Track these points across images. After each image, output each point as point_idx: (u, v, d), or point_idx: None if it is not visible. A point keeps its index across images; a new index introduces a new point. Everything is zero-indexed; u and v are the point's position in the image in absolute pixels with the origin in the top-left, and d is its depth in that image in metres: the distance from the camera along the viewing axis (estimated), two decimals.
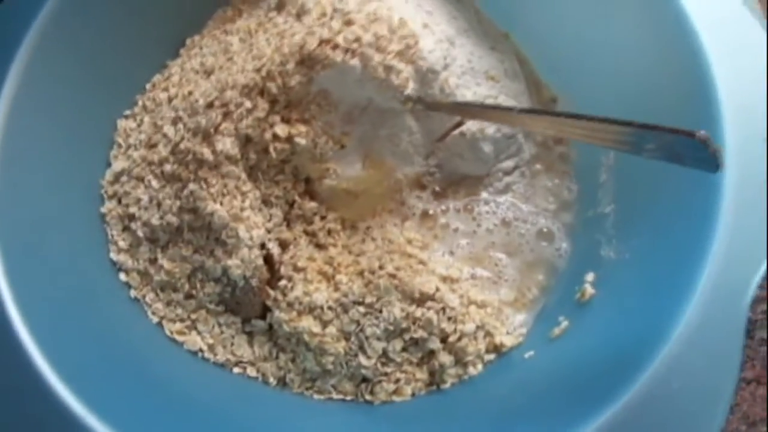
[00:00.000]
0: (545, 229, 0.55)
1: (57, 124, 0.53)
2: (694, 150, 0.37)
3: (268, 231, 0.52)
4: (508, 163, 0.56)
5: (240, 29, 0.57)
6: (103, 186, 0.55)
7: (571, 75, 0.57)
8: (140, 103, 0.58)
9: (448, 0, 0.58)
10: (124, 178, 0.54)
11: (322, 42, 0.50)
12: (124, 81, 0.58)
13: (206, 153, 0.50)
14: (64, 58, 0.54)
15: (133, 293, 0.53)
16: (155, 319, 0.53)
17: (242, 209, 0.51)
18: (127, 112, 0.58)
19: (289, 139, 0.51)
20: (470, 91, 0.54)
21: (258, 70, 0.50)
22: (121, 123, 0.57)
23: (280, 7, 0.58)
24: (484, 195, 0.57)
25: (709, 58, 0.48)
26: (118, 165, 0.55)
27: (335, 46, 0.50)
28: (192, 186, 0.50)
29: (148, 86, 0.59)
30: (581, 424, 0.42)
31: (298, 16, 0.55)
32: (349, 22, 0.50)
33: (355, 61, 0.50)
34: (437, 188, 0.57)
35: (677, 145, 0.39)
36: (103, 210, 0.55)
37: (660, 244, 0.47)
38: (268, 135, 0.51)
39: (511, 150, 0.56)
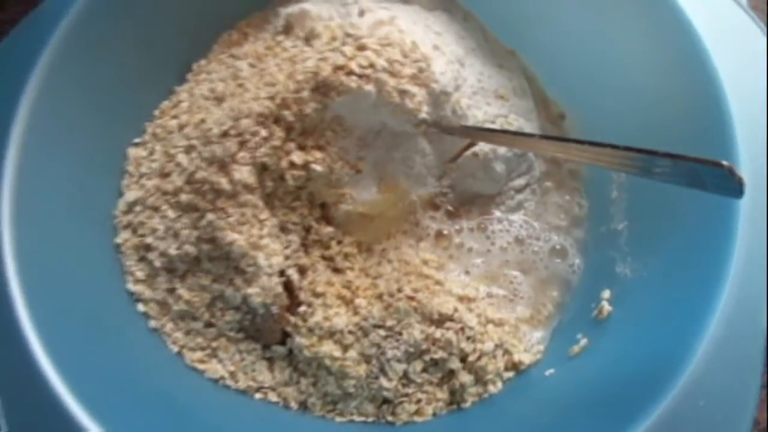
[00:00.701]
0: (558, 246, 0.56)
1: (68, 155, 0.53)
2: (718, 178, 0.38)
3: (287, 258, 0.52)
4: (520, 181, 0.57)
5: (248, 53, 0.57)
6: (116, 216, 0.55)
7: (578, 91, 0.58)
8: (149, 130, 0.58)
9: (455, 19, 0.58)
10: (138, 208, 0.54)
11: (337, 68, 0.50)
12: (131, 108, 0.57)
13: (223, 183, 0.50)
14: (72, 88, 0.53)
15: (152, 323, 0.53)
16: (175, 349, 0.53)
17: (260, 237, 0.51)
18: (137, 140, 0.57)
19: (305, 166, 0.51)
20: (481, 111, 0.55)
21: (272, 98, 0.50)
22: (132, 151, 0.57)
23: (287, 31, 0.58)
24: (497, 213, 0.57)
25: (718, 72, 0.49)
26: (131, 195, 0.54)
27: (350, 72, 0.50)
28: (210, 216, 0.50)
29: (156, 113, 0.58)
30: None
31: (307, 40, 0.55)
32: (362, 48, 0.51)
33: (370, 87, 0.50)
34: (450, 208, 0.57)
35: (700, 172, 0.39)
36: (118, 240, 0.54)
37: (678, 261, 0.48)
38: (284, 163, 0.51)
39: (522, 168, 0.57)
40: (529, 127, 0.57)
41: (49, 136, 0.52)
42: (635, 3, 0.54)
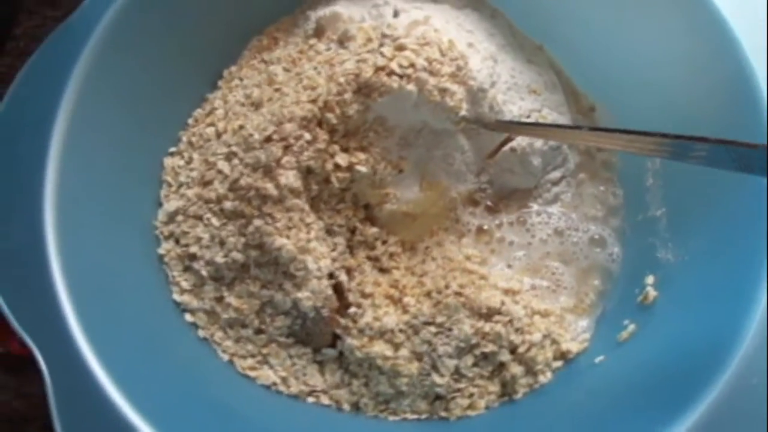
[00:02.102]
0: (596, 236, 0.57)
1: (105, 168, 0.53)
2: (755, 159, 0.39)
3: (334, 260, 0.52)
4: (555, 174, 0.58)
5: (281, 58, 0.57)
6: (157, 227, 0.55)
7: (607, 83, 0.59)
8: (185, 139, 0.57)
9: (483, 17, 0.59)
10: (179, 218, 0.54)
11: (378, 69, 0.50)
12: (165, 117, 0.57)
13: (270, 188, 0.50)
14: (107, 99, 0.53)
15: (201, 333, 0.53)
16: (226, 357, 0.53)
17: (308, 241, 0.51)
18: (172, 150, 0.57)
19: (350, 167, 0.52)
20: (516, 106, 0.56)
21: (314, 101, 0.50)
22: (168, 161, 0.56)
23: (319, 34, 0.58)
24: (535, 207, 0.58)
25: (749, 59, 0.50)
26: (172, 205, 0.54)
27: (391, 73, 0.50)
28: (257, 222, 0.50)
29: (190, 121, 0.58)
30: (669, 426, 0.44)
31: (341, 43, 0.55)
32: (401, 48, 0.51)
33: (411, 86, 0.50)
34: (489, 203, 0.58)
35: (745, 155, 0.40)
36: (161, 251, 0.54)
37: (721, 242, 0.49)
38: (329, 165, 0.51)
39: (558, 161, 0.58)
40: (562, 120, 0.58)
41: (86, 149, 0.51)
42: None
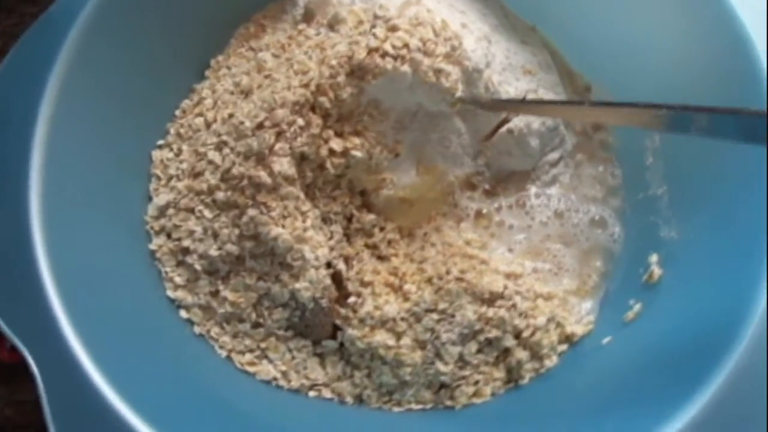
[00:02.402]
0: (597, 217, 0.56)
1: (92, 163, 0.51)
2: (757, 128, 0.38)
3: (331, 249, 0.51)
4: (553, 155, 0.57)
5: (269, 45, 0.55)
6: (147, 222, 0.53)
7: (602, 62, 0.58)
8: (173, 131, 0.56)
9: None
10: (170, 212, 0.52)
11: (371, 51, 0.49)
12: (151, 109, 0.55)
13: (263, 176, 0.48)
14: (91, 92, 0.51)
15: (197, 329, 0.51)
16: (224, 353, 0.51)
17: (305, 230, 0.49)
18: (161, 142, 0.55)
19: (345, 152, 0.50)
20: (512, 87, 0.55)
21: (306, 86, 0.49)
22: (156, 154, 0.55)
23: (308, 19, 0.56)
24: (533, 189, 0.57)
25: (749, 34, 0.49)
26: (162, 199, 0.52)
27: (384, 54, 0.49)
28: (251, 212, 0.49)
29: (177, 113, 0.56)
30: (683, 403, 0.42)
31: (332, 27, 0.54)
32: (393, 29, 0.50)
33: (405, 68, 0.49)
34: (487, 187, 0.57)
35: (751, 125, 0.39)
36: (152, 247, 0.52)
37: (725, 219, 0.48)
38: (323, 151, 0.50)
39: (555, 142, 0.57)
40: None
41: (71, 145, 0.49)
42: None
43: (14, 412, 0.57)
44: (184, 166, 0.53)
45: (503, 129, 0.55)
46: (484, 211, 0.56)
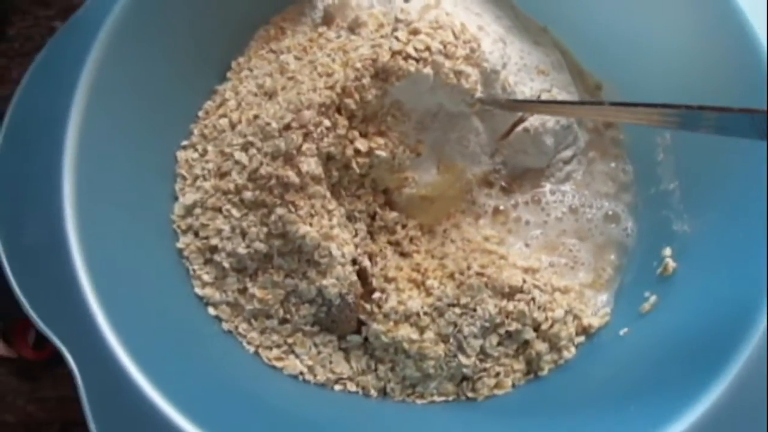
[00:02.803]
0: (610, 212, 0.58)
1: (120, 164, 0.52)
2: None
3: (356, 246, 0.52)
4: (567, 153, 0.59)
5: (290, 47, 0.56)
6: (174, 221, 0.54)
7: (612, 61, 0.59)
8: (197, 132, 0.57)
9: (488, 0, 0.59)
10: (197, 211, 0.53)
11: (394, 53, 0.50)
12: (175, 111, 0.56)
13: (291, 176, 0.49)
14: (118, 96, 0.52)
15: (225, 326, 0.52)
16: (251, 349, 0.52)
17: (331, 228, 0.50)
18: (185, 143, 0.56)
19: (369, 152, 0.52)
20: (527, 87, 0.56)
21: (332, 87, 0.50)
22: (181, 154, 0.56)
23: (328, 22, 0.58)
24: (548, 186, 0.59)
25: (756, 33, 0.51)
26: (189, 198, 0.53)
27: (407, 57, 0.50)
28: (280, 210, 0.50)
29: (200, 114, 0.57)
30: (700, 393, 0.44)
31: (352, 30, 0.56)
32: (415, 32, 0.51)
33: (427, 70, 0.51)
34: (504, 184, 0.58)
35: (747, 121, 0.41)
36: (180, 245, 0.53)
37: (738, 212, 0.50)
38: (349, 151, 0.51)
39: (569, 140, 0.58)
40: (571, 99, 0.58)
41: (101, 146, 0.50)
42: None
43: (37, 409, 0.59)
44: (210, 166, 0.54)
45: (519, 128, 0.56)
46: (501, 207, 0.58)
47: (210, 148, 0.55)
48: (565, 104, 0.55)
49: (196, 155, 0.55)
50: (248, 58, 0.59)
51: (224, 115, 0.56)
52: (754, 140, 0.42)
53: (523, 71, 0.56)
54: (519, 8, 0.61)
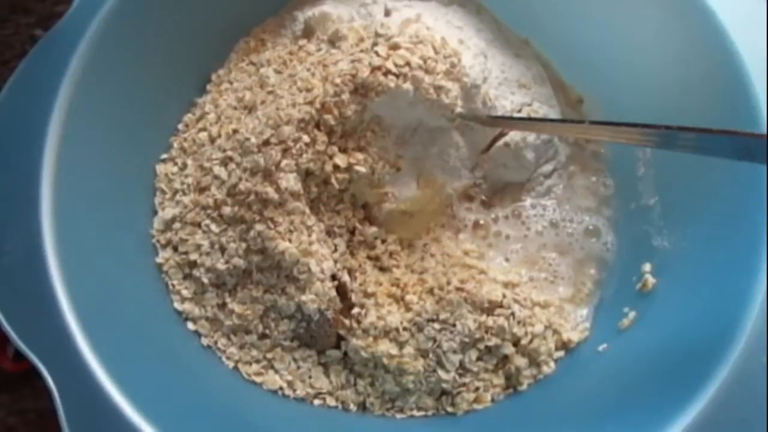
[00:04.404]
0: (591, 227, 0.58)
1: (99, 178, 0.52)
2: (747, 147, 0.40)
3: (335, 261, 0.52)
4: (548, 167, 0.59)
5: (270, 60, 0.56)
6: (153, 235, 0.54)
7: (594, 75, 0.60)
8: (176, 145, 0.56)
9: (469, 12, 0.59)
10: (176, 225, 0.53)
11: (374, 69, 0.50)
12: (154, 124, 0.56)
13: (270, 192, 0.49)
14: (97, 108, 0.52)
15: (204, 341, 0.52)
16: (231, 364, 0.52)
17: (310, 243, 0.50)
18: (164, 156, 0.56)
19: (349, 168, 0.52)
20: (508, 101, 0.56)
21: (311, 103, 0.50)
22: (161, 168, 0.56)
23: (308, 35, 0.57)
24: (529, 200, 0.59)
25: (736, 46, 0.51)
26: (168, 213, 0.53)
27: (387, 72, 0.50)
28: (259, 227, 0.50)
29: (180, 126, 0.57)
30: (678, 411, 0.44)
31: (332, 43, 0.55)
32: (395, 47, 0.51)
33: (407, 85, 0.51)
34: (484, 198, 0.58)
35: (746, 145, 0.41)
36: (159, 260, 0.53)
37: (719, 229, 0.50)
38: (328, 167, 0.51)
39: (549, 154, 0.58)
40: (552, 113, 0.58)
41: (79, 159, 0.50)
42: None
43: (17, 421, 0.58)
44: (189, 180, 0.54)
45: (500, 142, 0.56)
46: (482, 221, 0.58)
47: (189, 162, 0.55)
48: (546, 122, 0.55)
49: (175, 169, 0.55)
50: (228, 71, 0.59)
51: (204, 129, 0.55)
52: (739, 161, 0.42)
53: (504, 85, 0.56)
54: (501, 20, 0.61)
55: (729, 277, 0.48)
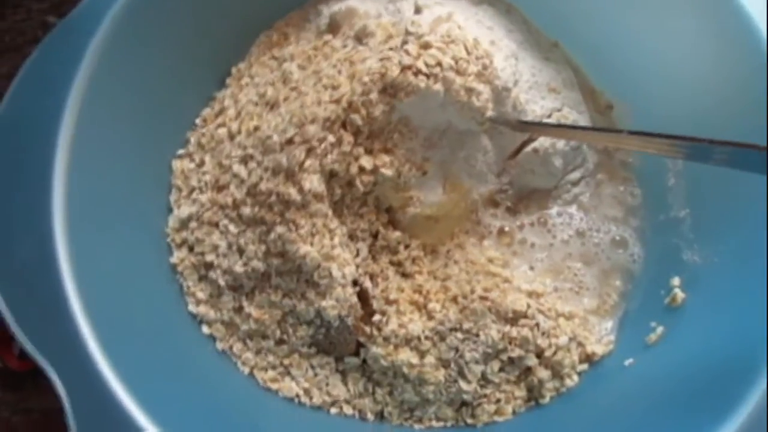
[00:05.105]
0: (618, 237, 0.56)
1: (113, 174, 0.50)
2: None
3: (357, 266, 0.51)
4: (575, 174, 0.57)
5: (294, 55, 0.54)
6: (168, 234, 0.52)
7: (625, 81, 0.58)
8: (193, 140, 0.55)
9: (499, 12, 0.57)
10: (193, 224, 0.51)
11: (404, 68, 0.48)
12: (171, 118, 0.54)
13: (293, 193, 0.47)
14: (112, 101, 0.50)
15: (219, 345, 0.51)
16: (246, 370, 0.51)
17: (332, 247, 0.49)
18: (181, 152, 0.54)
19: (374, 170, 0.50)
20: (538, 105, 0.54)
21: (338, 102, 0.48)
22: (177, 164, 0.54)
23: (334, 30, 0.55)
24: (555, 208, 0.57)
25: None
26: (184, 211, 0.51)
27: (417, 72, 0.48)
28: (279, 229, 0.48)
29: (198, 121, 0.55)
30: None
31: (359, 39, 0.53)
32: (426, 46, 0.49)
33: (438, 86, 0.49)
34: (510, 204, 0.56)
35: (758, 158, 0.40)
36: (174, 260, 0.51)
37: (752, 245, 0.48)
38: (353, 168, 0.49)
39: (577, 161, 0.57)
40: (582, 119, 0.56)
41: (93, 154, 0.48)
42: None
43: (22, 420, 0.57)
44: (207, 178, 0.52)
45: (528, 148, 0.55)
46: (507, 228, 0.56)
47: (207, 158, 0.53)
48: (576, 129, 0.53)
49: (192, 165, 0.53)
50: (249, 65, 0.57)
51: (223, 125, 0.53)
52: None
53: (534, 89, 0.55)
54: (531, 21, 0.59)
55: (762, 294, 0.46)
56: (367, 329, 0.51)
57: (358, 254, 0.51)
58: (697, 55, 0.54)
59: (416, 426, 0.52)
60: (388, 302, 0.51)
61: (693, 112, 0.54)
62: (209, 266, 0.51)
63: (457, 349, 0.50)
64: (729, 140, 0.41)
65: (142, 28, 0.51)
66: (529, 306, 0.51)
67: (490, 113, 0.51)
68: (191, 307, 0.51)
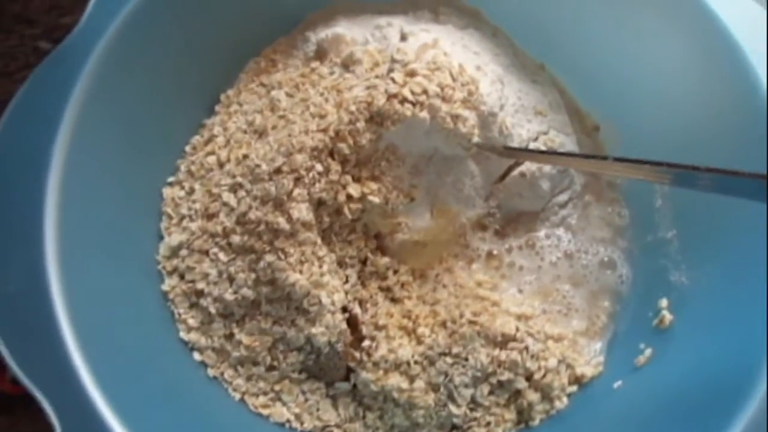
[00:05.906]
0: (606, 258, 0.57)
1: (104, 202, 0.50)
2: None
3: (346, 293, 0.51)
4: (563, 197, 0.57)
5: (282, 82, 0.55)
6: (159, 262, 0.52)
7: (611, 102, 0.58)
8: (183, 168, 0.55)
9: (486, 36, 0.58)
10: (183, 252, 0.52)
11: (390, 97, 0.49)
12: (161, 146, 0.55)
13: (282, 222, 0.48)
14: (103, 129, 0.50)
15: (210, 372, 0.51)
16: (237, 396, 0.51)
17: (321, 275, 0.49)
18: (171, 179, 0.55)
19: (362, 198, 0.50)
20: (524, 129, 0.55)
21: (324, 130, 0.49)
22: (167, 192, 0.54)
23: (321, 57, 0.56)
24: (543, 230, 0.57)
25: (758, 75, 0.50)
26: (175, 239, 0.52)
27: (403, 100, 0.49)
28: (269, 257, 0.48)
29: (188, 149, 0.56)
30: None
31: (346, 67, 0.54)
32: (412, 73, 0.50)
33: (424, 114, 0.49)
34: (498, 227, 0.57)
35: (743, 185, 0.40)
36: (165, 288, 0.52)
37: (740, 266, 0.49)
38: (341, 197, 0.50)
39: (565, 183, 0.57)
40: (568, 141, 0.57)
41: (84, 182, 0.49)
42: (663, 8, 0.54)
43: None
44: (197, 206, 0.52)
45: (515, 171, 0.55)
46: (495, 251, 0.56)
47: (197, 186, 0.53)
48: (561, 155, 0.54)
49: (182, 193, 0.54)
50: (238, 92, 0.57)
51: (212, 152, 0.54)
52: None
53: (520, 112, 0.55)
54: (517, 45, 0.60)
55: (750, 316, 0.46)
56: (357, 355, 0.51)
57: (347, 281, 0.52)
58: (684, 76, 0.55)
59: None
60: (378, 327, 0.52)
61: (680, 132, 0.54)
62: (200, 294, 0.51)
63: (446, 374, 0.51)
64: (714, 167, 0.41)
65: (132, 56, 0.52)
66: (518, 329, 0.52)
67: (476, 139, 0.52)
68: (182, 334, 0.51)
